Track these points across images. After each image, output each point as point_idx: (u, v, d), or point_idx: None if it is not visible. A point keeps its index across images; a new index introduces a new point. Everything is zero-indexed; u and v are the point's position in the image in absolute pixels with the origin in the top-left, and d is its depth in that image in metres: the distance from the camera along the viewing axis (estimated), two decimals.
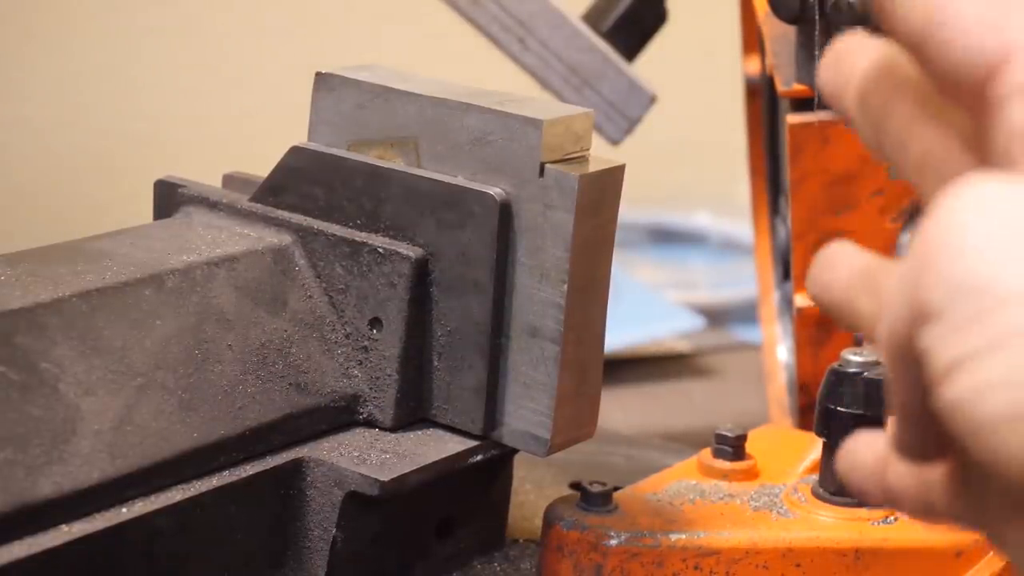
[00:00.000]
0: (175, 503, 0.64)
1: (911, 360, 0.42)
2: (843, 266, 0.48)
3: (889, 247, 0.84)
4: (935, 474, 0.46)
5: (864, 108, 0.48)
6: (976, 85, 0.43)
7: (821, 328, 0.87)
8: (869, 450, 0.48)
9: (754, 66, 1.06)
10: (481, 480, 0.74)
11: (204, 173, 0.80)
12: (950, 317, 0.40)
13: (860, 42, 0.49)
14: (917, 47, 0.44)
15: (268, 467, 0.68)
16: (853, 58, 0.48)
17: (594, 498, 0.72)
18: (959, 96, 0.44)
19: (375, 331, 0.71)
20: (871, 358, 0.74)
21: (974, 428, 0.39)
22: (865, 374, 0.73)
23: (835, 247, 0.49)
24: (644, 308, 1.31)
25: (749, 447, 0.77)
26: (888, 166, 0.84)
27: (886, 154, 0.48)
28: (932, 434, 0.43)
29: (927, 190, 0.46)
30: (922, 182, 0.46)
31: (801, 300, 0.87)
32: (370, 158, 0.73)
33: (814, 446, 0.77)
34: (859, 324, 0.48)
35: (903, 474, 0.47)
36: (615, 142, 0.97)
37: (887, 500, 0.48)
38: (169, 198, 0.77)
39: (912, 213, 0.84)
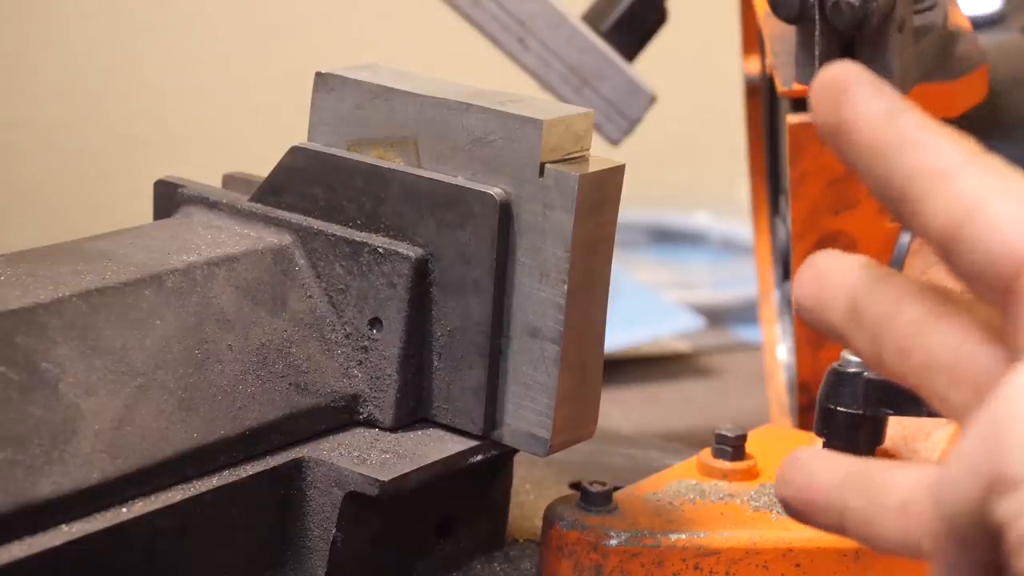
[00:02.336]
0: (175, 503, 0.64)
1: (975, 537, 0.42)
2: (825, 470, 0.49)
3: (889, 247, 0.84)
4: None
5: (858, 322, 0.48)
6: (1006, 279, 0.44)
7: None
8: (828, 470, 0.49)
9: (754, 66, 1.06)
10: (481, 480, 0.74)
11: (204, 173, 0.81)
12: None
13: (840, 260, 0.49)
14: (945, 242, 0.45)
15: (268, 467, 0.68)
16: (837, 276, 0.49)
17: (594, 498, 0.72)
18: (986, 290, 0.45)
19: (375, 331, 0.71)
20: None
21: None
22: (865, 374, 0.73)
23: (804, 454, 0.50)
24: (644, 308, 1.31)
25: (749, 447, 0.77)
26: None
27: (884, 362, 0.48)
28: None
29: (937, 390, 0.46)
30: (930, 383, 0.47)
31: None
32: (370, 158, 0.73)
33: (814, 446, 0.77)
34: (846, 521, 0.48)
35: (889, 510, 0.47)
36: (615, 142, 0.98)
37: (842, 529, 0.48)
38: (169, 198, 0.77)
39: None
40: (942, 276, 0.48)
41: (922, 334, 0.47)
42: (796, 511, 0.50)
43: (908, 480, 0.47)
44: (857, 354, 0.49)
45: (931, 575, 0.45)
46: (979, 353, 0.46)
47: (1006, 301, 0.44)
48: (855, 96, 0.47)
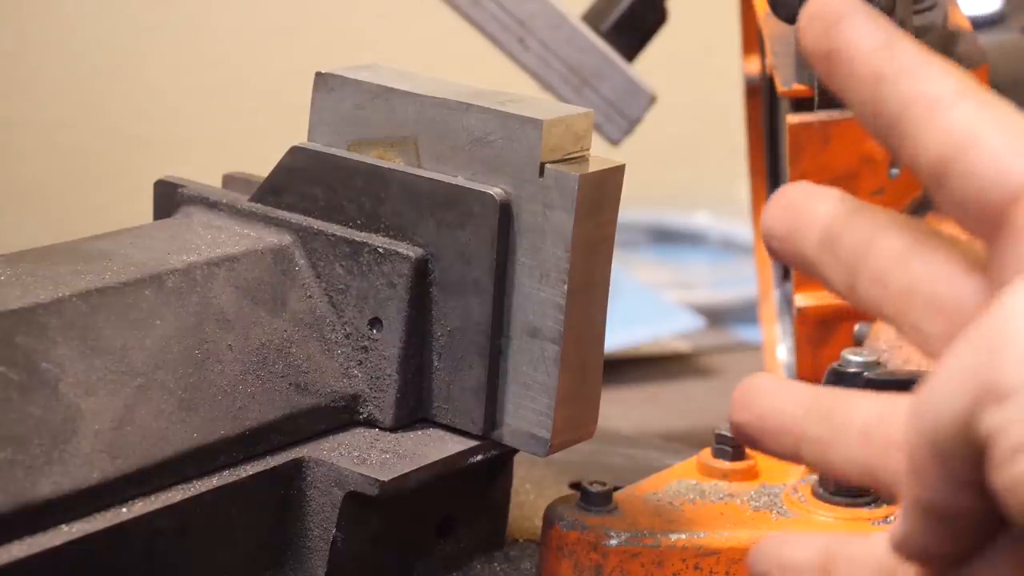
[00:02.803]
0: (175, 503, 0.64)
1: (956, 450, 0.42)
2: (784, 396, 0.49)
3: None
4: None
5: (833, 251, 0.48)
6: (997, 207, 0.44)
7: (821, 328, 0.87)
8: (801, 549, 0.49)
9: (754, 66, 1.06)
10: (481, 480, 0.74)
11: (204, 173, 0.80)
12: None
13: (816, 189, 0.49)
14: (938, 170, 0.45)
15: (268, 467, 0.68)
16: (812, 204, 0.49)
17: (594, 498, 0.72)
18: (975, 220, 0.45)
19: (375, 331, 0.71)
20: (871, 358, 0.74)
21: None
22: (865, 374, 0.73)
23: (762, 379, 0.50)
24: (644, 308, 1.31)
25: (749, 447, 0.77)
26: (888, 169, 0.84)
27: (858, 292, 0.48)
28: (961, 533, 0.43)
29: (914, 320, 0.46)
30: (907, 312, 0.47)
31: (801, 300, 0.87)
32: (370, 158, 0.73)
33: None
34: (807, 452, 0.48)
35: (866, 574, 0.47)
36: (615, 142, 0.98)
37: None
38: (169, 198, 0.77)
39: (912, 212, 0.84)
40: None
41: (902, 263, 0.47)
42: (750, 436, 0.50)
43: (871, 408, 0.47)
44: (828, 284, 0.49)
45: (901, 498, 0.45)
46: (961, 284, 0.46)
47: (995, 230, 0.44)
48: (851, 24, 0.47)
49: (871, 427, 0.47)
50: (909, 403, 0.44)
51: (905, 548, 0.45)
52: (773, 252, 0.50)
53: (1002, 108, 0.45)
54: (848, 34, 0.47)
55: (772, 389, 0.50)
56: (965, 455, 0.41)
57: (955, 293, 0.46)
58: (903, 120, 0.46)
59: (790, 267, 0.50)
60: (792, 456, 0.49)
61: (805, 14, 0.47)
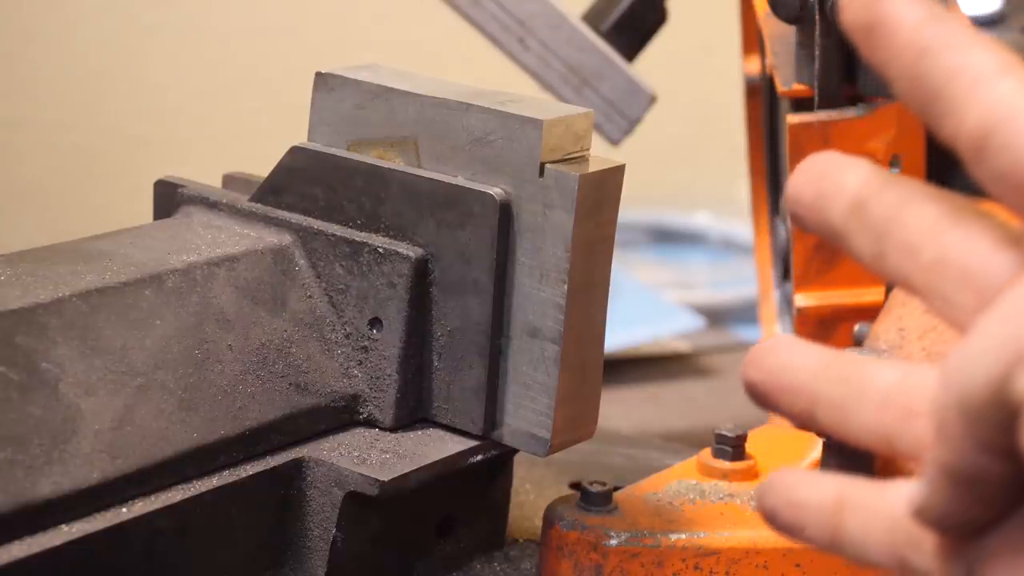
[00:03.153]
0: (175, 503, 0.64)
1: (986, 413, 0.42)
2: (802, 355, 0.49)
3: None
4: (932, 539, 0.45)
5: (862, 219, 0.48)
6: None
7: (821, 328, 0.87)
8: (815, 489, 0.48)
9: (754, 66, 1.06)
10: (481, 480, 0.74)
11: (204, 173, 0.80)
12: None
13: (845, 159, 0.49)
14: (977, 142, 0.45)
15: (268, 467, 0.68)
16: (842, 172, 0.49)
17: (594, 498, 0.72)
18: (1013, 193, 0.44)
19: (375, 331, 0.71)
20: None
21: None
22: None
23: (780, 338, 0.50)
24: (644, 308, 1.31)
25: (749, 447, 0.77)
26: (888, 169, 0.84)
27: (887, 262, 0.47)
28: (985, 500, 0.43)
29: (944, 291, 0.46)
30: (937, 283, 0.46)
31: (801, 300, 0.86)
32: (370, 158, 0.73)
33: (814, 446, 0.77)
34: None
35: (879, 527, 0.47)
36: (615, 142, 0.97)
37: (834, 545, 0.48)
38: (169, 198, 0.77)
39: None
40: None
41: (934, 234, 0.46)
42: (763, 395, 0.50)
43: (892, 375, 0.47)
44: (855, 254, 0.48)
45: (922, 464, 0.45)
46: (993, 257, 0.45)
47: None
48: None
49: (891, 394, 0.47)
50: (939, 367, 0.44)
51: (926, 514, 0.45)
52: (798, 219, 0.50)
53: None
54: (890, 7, 0.47)
55: (789, 348, 0.49)
56: (996, 419, 0.41)
57: (987, 266, 0.45)
58: (944, 94, 0.46)
59: (817, 235, 0.50)
60: (806, 419, 0.48)
61: None
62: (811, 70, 0.82)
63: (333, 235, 0.72)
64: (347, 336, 0.72)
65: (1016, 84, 0.45)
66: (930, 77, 0.46)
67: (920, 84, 0.46)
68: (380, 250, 0.71)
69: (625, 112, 0.96)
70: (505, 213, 0.69)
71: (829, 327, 0.87)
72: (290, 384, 0.70)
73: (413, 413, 0.72)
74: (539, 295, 0.69)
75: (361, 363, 0.72)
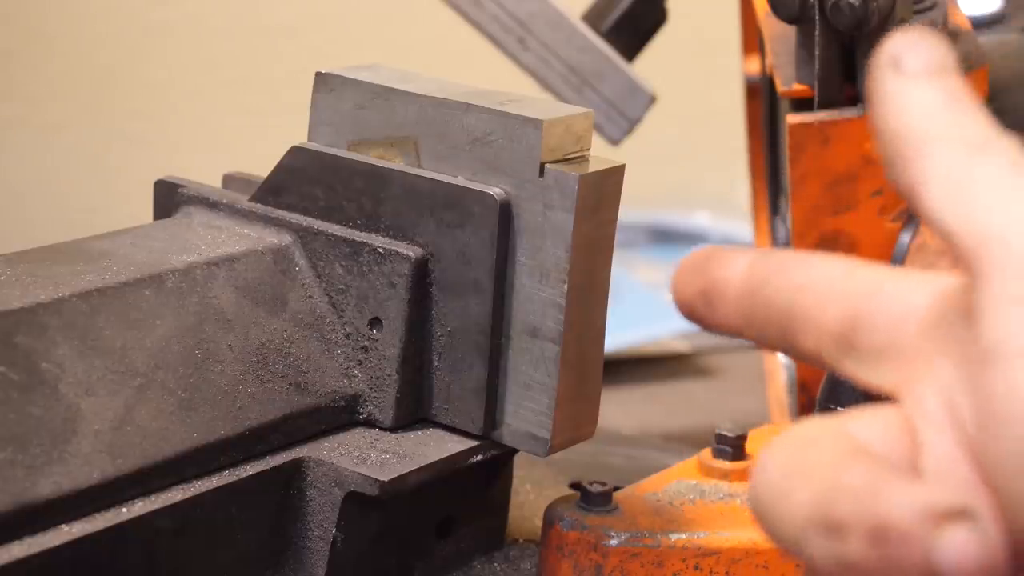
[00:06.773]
0: (175, 503, 0.64)
1: None
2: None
3: (889, 247, 0.84)
4: None
5: (761, 300, 0.47)
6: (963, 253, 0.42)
7: None
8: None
9: (754, 66, 1.06)
10: (481, 480, 0.74)
11: (204, 173, 0.80)
12: None
13: (721, 252, 0.48)
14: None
15: (268, 467, 0.68)
16: (724, 265, 0.47)
17: (594, 498, 0.72)
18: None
19: (375, 331, 0.71)
20: None
21: None
22: None
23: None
24: (644, 308, 1.31)
25: (749, 447, 0.77)
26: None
27: (795, 331, 0.46)
28: None
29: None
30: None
31: None
32: (370, 158, 0.73)
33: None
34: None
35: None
36: (615, 142, 0.97)
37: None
38: (169, 198, 0.77)
39: (912, 213, 0.84)
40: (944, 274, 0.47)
41: (846, 279, 0.45)
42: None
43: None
44: (763, 341, 0.47)
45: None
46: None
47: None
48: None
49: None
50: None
51: None
52: (694, 321, 0.48)
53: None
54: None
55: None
56: None
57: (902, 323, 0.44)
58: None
59: (714, 333, 0.49)
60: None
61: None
62: (811, 70, 0.82)
63: (333, 235, 0.72)
64: (347, 336, 0.72)
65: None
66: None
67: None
68: (380, 250, 0.71)
69: (625, 112, 0.96)
70: (505, 213, 0.69)
71: None
72: (290, 384, 0.70)
73: (413, 413, 0.72)
74: (539, 295, 0.69)
75: (361, 363, 0.72)
